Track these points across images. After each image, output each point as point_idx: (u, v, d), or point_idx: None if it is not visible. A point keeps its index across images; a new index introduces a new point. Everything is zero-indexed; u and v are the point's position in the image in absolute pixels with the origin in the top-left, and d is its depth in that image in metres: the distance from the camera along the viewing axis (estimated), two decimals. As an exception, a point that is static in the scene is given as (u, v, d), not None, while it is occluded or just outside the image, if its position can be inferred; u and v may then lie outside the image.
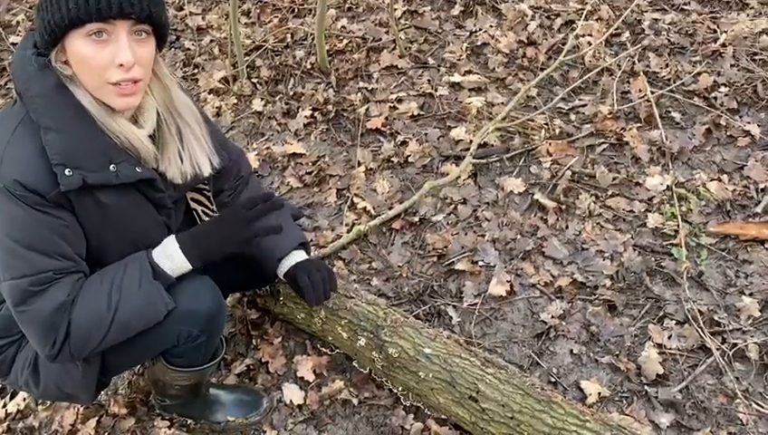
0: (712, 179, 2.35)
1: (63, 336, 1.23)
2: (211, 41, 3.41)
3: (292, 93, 2.99)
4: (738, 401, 1.76)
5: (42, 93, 1.17)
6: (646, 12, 3.12)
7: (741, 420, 1.72)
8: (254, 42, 3.26)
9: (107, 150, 1.22)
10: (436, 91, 2.87)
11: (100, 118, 1.20)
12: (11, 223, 1.18)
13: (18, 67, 1.21)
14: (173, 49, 3.40)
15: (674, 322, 1.95)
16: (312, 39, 3.09)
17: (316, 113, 2.85)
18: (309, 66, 3.09)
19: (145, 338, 1.34)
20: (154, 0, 1.16)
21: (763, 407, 1.75)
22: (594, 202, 2.32)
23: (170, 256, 1.32)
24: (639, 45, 2.91)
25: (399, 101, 2.85)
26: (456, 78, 2.91)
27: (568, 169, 2.44)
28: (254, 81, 3.09)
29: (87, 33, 1.12)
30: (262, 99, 2.98)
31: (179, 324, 1.37)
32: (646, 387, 1.81)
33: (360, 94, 2.90)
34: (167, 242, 1.34)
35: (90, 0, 1.09)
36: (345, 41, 3.20)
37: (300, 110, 2.88)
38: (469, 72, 2.95)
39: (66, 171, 1.16)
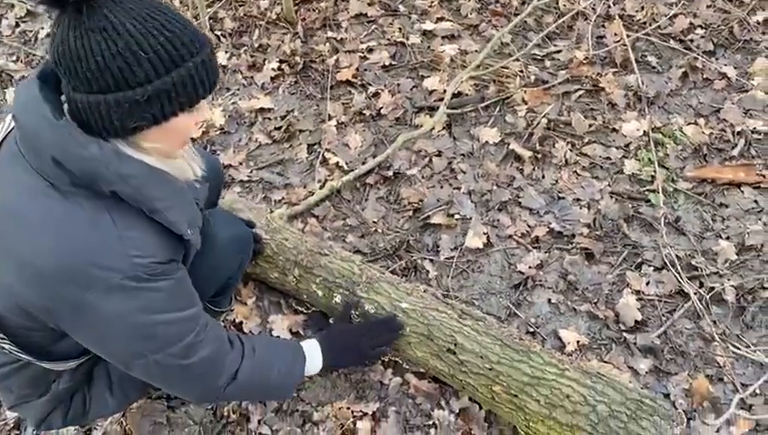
0: (688, 123, 2.32)
1: (233, 374, 1.30)
2: (170, -8, 3.25)
3: (257, 45, 2.86)
4: (715, 343, 1.77)
5: (134, 174, 1.05)
6: (621, -47, 3.03)
7: (718, 363, 1.73)
8: (215, -8, 3.10)
9: (183, 192, 1.20)
10: (407, 39, 2.77)
11: (173, 171, 1.17)
12: (166, 298, 1.14)
13: (61, 143, 1.00)
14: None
15: (651, 268, 1.94)
16: (277, -13, 2.95)
17: (283, 66, 2.74)
18: (274, 16, 2.96)
19: (221, 270, 1.53)
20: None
21: (739, 349, 1.76)
22: (570, 150, 2.28)
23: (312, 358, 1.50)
24: (615, -12, 2.83)
25: (370, 50, 2.75)
26: (429, 25, 2.81)
27: (543, 117, 2.39)
28: (218, 33, 2.95)
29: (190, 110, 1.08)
30: (226, 52, 2.85)
31: (239, 252, 1.61)
32: (624, 334, 1.81)
33: (328, 45, 2.79)
34: (312, 349, 1.51)
35: (205, 85, 1.05)
36: (311, -11, 3.07)
37: (266, 62, 2.76)
38: (441, 18, 2.85)
39: (190, 231, 1.17)
